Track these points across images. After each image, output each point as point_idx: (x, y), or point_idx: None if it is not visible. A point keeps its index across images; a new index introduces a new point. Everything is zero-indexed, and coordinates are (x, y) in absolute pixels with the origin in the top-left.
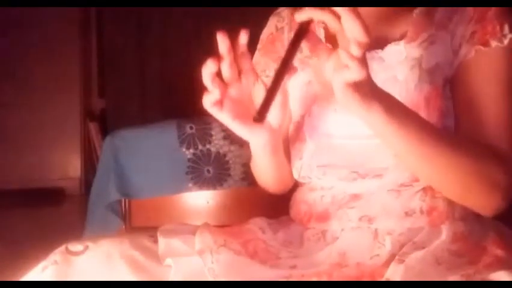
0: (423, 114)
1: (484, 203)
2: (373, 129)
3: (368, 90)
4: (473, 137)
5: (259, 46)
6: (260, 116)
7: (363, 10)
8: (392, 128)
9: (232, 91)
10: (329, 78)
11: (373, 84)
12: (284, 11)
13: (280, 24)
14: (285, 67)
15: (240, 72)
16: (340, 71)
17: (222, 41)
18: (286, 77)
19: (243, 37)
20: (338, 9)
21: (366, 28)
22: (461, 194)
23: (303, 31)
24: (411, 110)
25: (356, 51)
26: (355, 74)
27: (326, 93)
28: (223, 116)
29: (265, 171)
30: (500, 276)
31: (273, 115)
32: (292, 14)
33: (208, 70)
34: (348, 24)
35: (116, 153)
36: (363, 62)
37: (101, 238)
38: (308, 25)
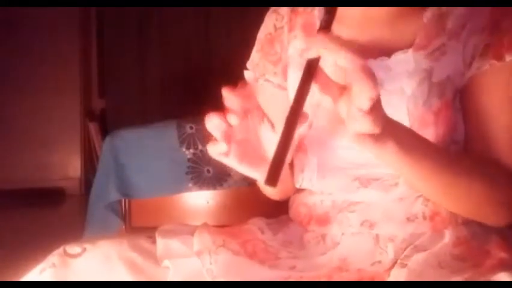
0: (431, 129)
1: (493, 219)
2: (385, 163)
3: (382, 132)
4: (482, 152)
5: (257, 47)
6: (271, 182)
7: (368, 13)
8: (405, 161)
9: (239, 133)
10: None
11: (386, 120)
12: (283, 8)
13: (279, 24)
14: (295, 119)
15: (245, 112)
16: (352, 122)
17: (227, 96)
18: (297, 127)
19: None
20: (345, 63)
21: (376, 82)
22: (472, 213)
23: (311, 70)
24: (423, 139)
25: (367, 106)
26: (367, 128)
27: (327, 103)
28: (230, 161)
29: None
30: (502, 277)
31: None
32: (291, 12)
33: (212, 122)
34: (357, 83)
35: (116, 153)
36: (376, 113)
37: (99, 239)
38: (316, 63)
